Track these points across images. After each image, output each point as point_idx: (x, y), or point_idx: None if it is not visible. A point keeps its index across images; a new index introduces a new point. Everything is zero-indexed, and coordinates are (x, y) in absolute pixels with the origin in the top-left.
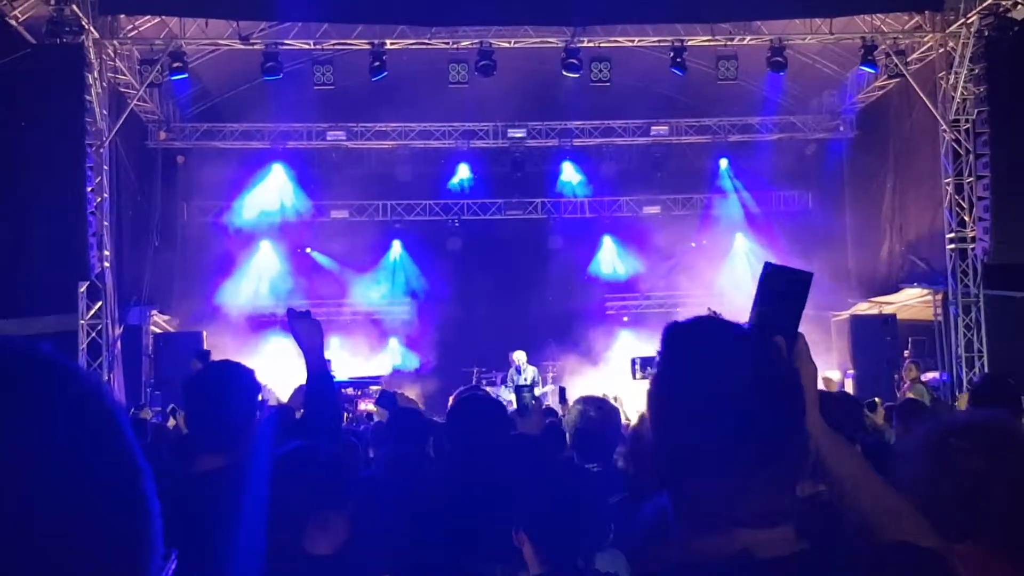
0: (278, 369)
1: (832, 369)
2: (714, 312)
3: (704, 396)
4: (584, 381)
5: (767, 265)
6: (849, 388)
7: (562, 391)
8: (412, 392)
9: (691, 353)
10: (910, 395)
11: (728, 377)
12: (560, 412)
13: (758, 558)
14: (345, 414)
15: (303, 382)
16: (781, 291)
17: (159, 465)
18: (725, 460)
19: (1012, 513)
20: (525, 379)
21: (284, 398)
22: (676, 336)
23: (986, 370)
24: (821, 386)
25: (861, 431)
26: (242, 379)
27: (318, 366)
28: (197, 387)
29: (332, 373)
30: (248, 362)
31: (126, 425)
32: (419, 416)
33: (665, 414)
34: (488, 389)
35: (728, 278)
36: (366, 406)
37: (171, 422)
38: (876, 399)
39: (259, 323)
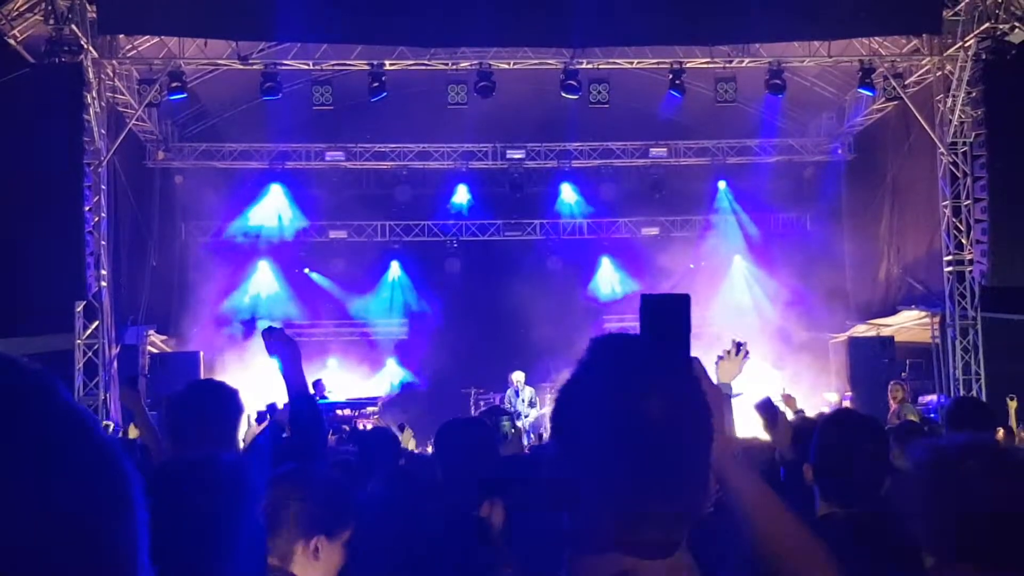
0: (274, 389)
1: (830, 391)
2: (738, 343)
3: (609, 420)
4: None
5: (642, 297)
6: None
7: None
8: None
9: (603, 369)
10: (911, 417)
11: (636, 401)
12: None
13: None
14: (332, 434)
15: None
16: (663, 319)
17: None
18: (621, 487)
19: (1011, 534)
20: (523, 399)
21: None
22: (594, 349)
23: (983, 393)
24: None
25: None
26: (225, 398)
27: (299, 386)
28: (180, 406)
29: (314, 392)
30: (245, 382)
31: (121, 458)
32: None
33: (566, 431)
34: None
35: (727, 300)
36: (363, 427)
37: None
38: None
39: (255, 343)
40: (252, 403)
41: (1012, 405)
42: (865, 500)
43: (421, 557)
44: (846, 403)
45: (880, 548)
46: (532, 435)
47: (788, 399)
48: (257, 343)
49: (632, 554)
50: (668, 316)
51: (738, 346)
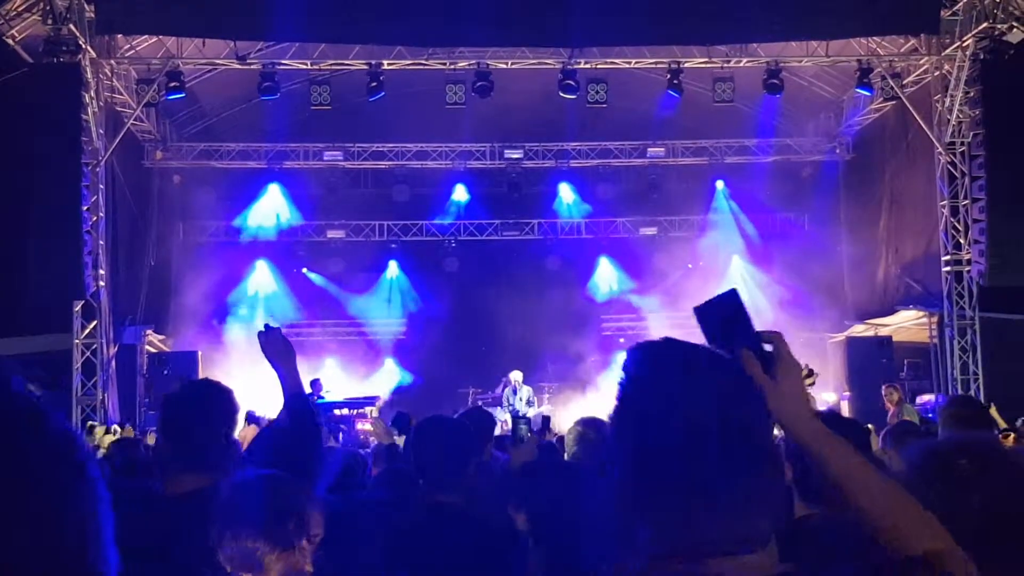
0: (269, 387)
1: (828, 391)
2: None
3: (670, 426)
4: (580, 401)
5: (695, 309)
6: (845, 410)
7: (546, 420)
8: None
9: (658, 379)
10: (907, 417)
11: (694, 406)
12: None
13: None
14: (332, 435)
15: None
16: (721, 321)
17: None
18: (693, 492)
19: (1005, 534)
20: (521, 398)
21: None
22: (642, 361)
23: (981, 393)
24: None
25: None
26: (221, 398)
27: (294, 387)
28: (175, 406)
29: (311, 392)
30: (242, 381)
31: (75, 450)
32: None
33: (630, 444)
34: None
35: None
36: (363, 426)
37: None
38: (869, 425)
39: (254, 342)
40: (252, 403)
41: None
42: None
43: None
44: (844, 403)
45: (872, 547)
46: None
47: (808, 373)
48: (253, 342)
49: (723, 554)
50: (725, 316)
51: (810, 372)
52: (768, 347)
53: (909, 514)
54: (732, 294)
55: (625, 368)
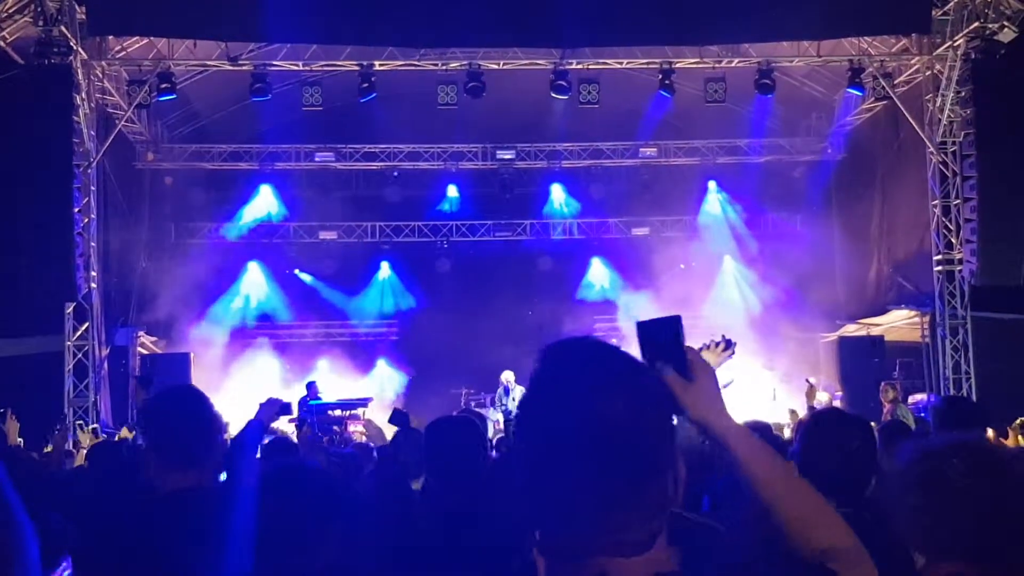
0: (263, 389)
1: (820, 391)
2: (808, 381)
3: (569, 426)
4: None
5: (636, 324)
6: None
7: None
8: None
9: (565, 377)
10: (901, 417)
11: (598, 408)
12: None
13: None
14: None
15: (271, 397)
16: (658, 342)
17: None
18: (588, 494)
19: (998, 531)
20: (513, 399)
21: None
22: (553, 356)
23: (973, 392)
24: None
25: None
26: (202, 400)
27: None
28: (159, 406)
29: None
30: (234, 383)
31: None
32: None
33: (529, 442)
34: (478, 411)
35: (717, 300)
36: (355, 428)
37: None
38: None
39: (246, 344)
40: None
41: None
42: (850, 500)
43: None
44: (836, 402)
45: (868, 548)
46: None
47: (810, 390)
48: (244, 342)
49: (608, 555)
50: (662, 338)
51: (727, 343)
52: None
53: (816, 510)
54: (676, 320)
55: (543, 360)
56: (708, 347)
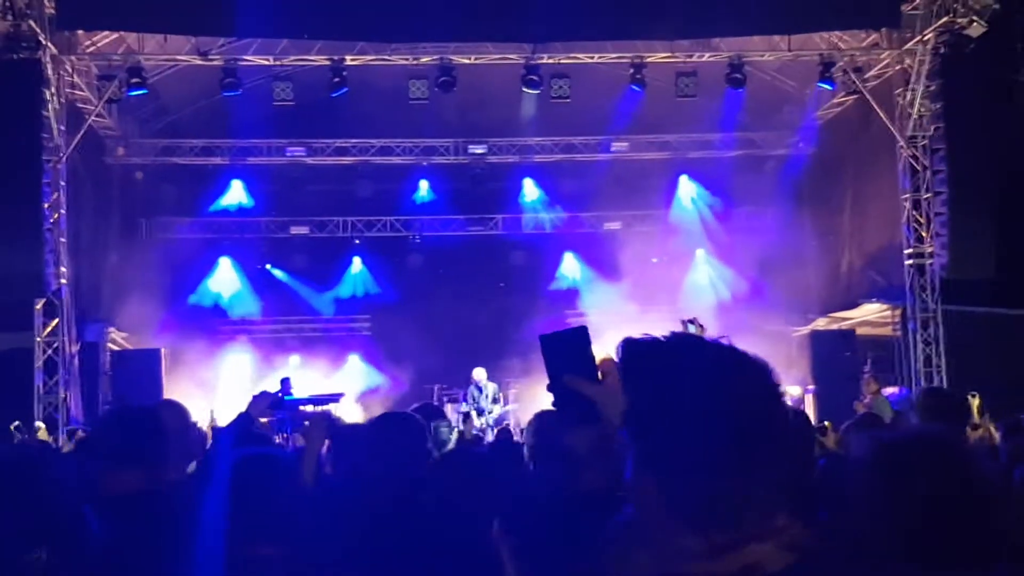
0: (235, 384)
1: (792, 385)
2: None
3: (707, 422)
4: (546, 396)
5: (540, 338)
6: (809, 403)
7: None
8: (379, 409)
9: (694, 376)
10: (877, 410)
11: (731, 399)
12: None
13: (768, 570)
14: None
15: (264, 390)
16: (565, 353)
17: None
18: (723, 475)
19: (955, 530)
20: (487, 395)
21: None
22: (667, 358)
23: (944, 385)
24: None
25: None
26: (150, 422)
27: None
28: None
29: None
30: (205, 378)
31: None
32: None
33: (659, 432)
34: (449, 406)
35: (689, 294)
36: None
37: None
38: (826, 423)
39: (218, 340)
40: (218, 399)
41: (975, 402)
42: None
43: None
44: (808, 396)
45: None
46: (495, 429)
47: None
48: (216, 338)
49: (755, 541)
50: (570, 349)
51: (689, 323)
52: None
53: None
54: (583, 331)
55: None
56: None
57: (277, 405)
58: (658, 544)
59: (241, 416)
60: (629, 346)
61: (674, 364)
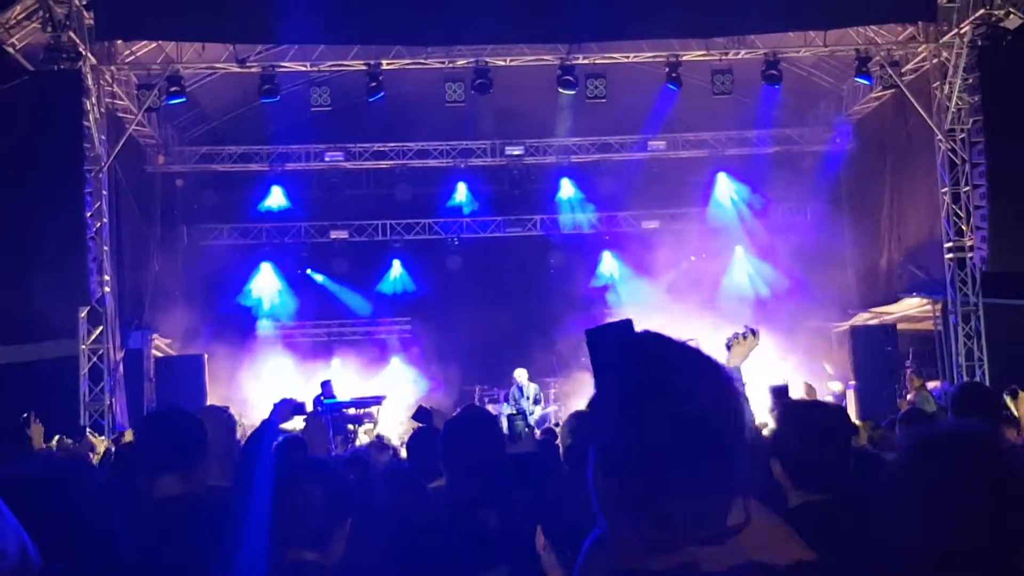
0: (277, 389)
1: (833, 381)
2: (750, 329)
3: (667, 423)
4: (586, 395)
5: (586, 332)
6: (851, 399)
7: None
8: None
9: (658, 376)
10: (921, 405)
11: (691, 401)
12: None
13: (703, 570)
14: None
15: (285, 397)
16: (613, 346)
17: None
18: (689, 484)
19: (989, 526)
20: (528, 396)
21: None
22: (640, 355)
23: (987, 379)
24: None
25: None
26: (189, 425)
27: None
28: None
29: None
30: (247, 382)
31: None
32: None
33: (611, 439)
34: (491, 407)
35: (729, 291)
36: (365, 429)
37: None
38: (857, 422)
39: (259, 344)
40: (259, 403)
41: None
42: (833, 485)
43: (417, 554)
44: (850, 392)
45: (860, 532)
46: (537, 431)
47: (809, 389)
48: (257, 343)
49: (700, 543)
50: (618, 342)
51: (751, 331)
52: None
53: None
54: (629, 324)
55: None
56: (737, 338)
57: (299, 411)
58: (613, 542)
59: (264, 423)
60: (590, 337)
61: (624, 359)
